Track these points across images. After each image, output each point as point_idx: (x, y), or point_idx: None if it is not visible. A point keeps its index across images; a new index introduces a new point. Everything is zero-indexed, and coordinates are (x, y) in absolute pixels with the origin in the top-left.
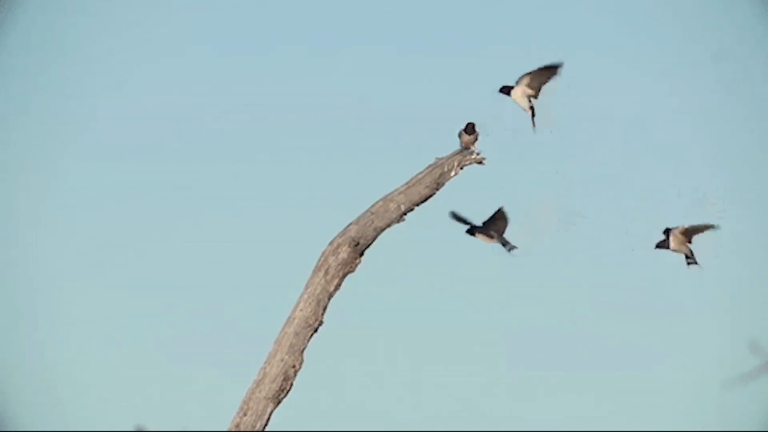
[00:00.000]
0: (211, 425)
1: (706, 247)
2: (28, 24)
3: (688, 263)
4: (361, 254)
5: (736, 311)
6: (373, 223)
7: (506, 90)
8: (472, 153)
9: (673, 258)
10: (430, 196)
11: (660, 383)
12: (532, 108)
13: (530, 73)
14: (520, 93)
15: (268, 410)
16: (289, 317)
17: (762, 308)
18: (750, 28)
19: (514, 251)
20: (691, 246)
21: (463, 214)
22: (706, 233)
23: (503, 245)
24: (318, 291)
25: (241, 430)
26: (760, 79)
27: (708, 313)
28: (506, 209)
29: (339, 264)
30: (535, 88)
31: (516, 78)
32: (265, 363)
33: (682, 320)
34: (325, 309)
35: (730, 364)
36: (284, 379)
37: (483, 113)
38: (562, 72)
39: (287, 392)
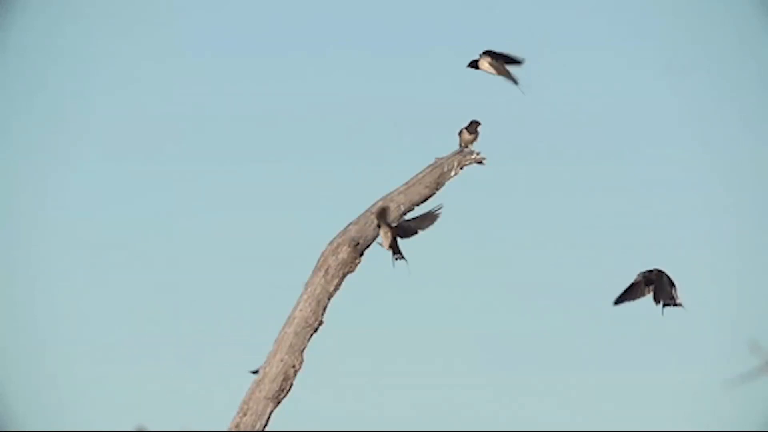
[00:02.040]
0: (211, 425)
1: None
2: (28, 24)
3: (666, 305)
4: (361, 254)
5: (736, 311)
6: (373, 223)
7: (473, 64)
8: (472, 153)
9: (673, 257)
10: (430, 196)
11: (660, 383)
12: (505, 71)
13: (491, 55)
14: (486, 64)
15: (268, 410)
16: (289, 317)
17: (762, 308)
18: (750, 29)
19: (400, 260)
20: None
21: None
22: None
23: (393, 253)
24: (318, 291)
25: (241, 430)
26: (760, 78)
27: (708, 313)
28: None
29: (339, 264)
30: (497, 67)
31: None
32: (265, 363)
33: (682, 320)
34: (325, 309)
35: (730, 364)
36: (284, 379)
37: (482, 113)
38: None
39: (287, 392)
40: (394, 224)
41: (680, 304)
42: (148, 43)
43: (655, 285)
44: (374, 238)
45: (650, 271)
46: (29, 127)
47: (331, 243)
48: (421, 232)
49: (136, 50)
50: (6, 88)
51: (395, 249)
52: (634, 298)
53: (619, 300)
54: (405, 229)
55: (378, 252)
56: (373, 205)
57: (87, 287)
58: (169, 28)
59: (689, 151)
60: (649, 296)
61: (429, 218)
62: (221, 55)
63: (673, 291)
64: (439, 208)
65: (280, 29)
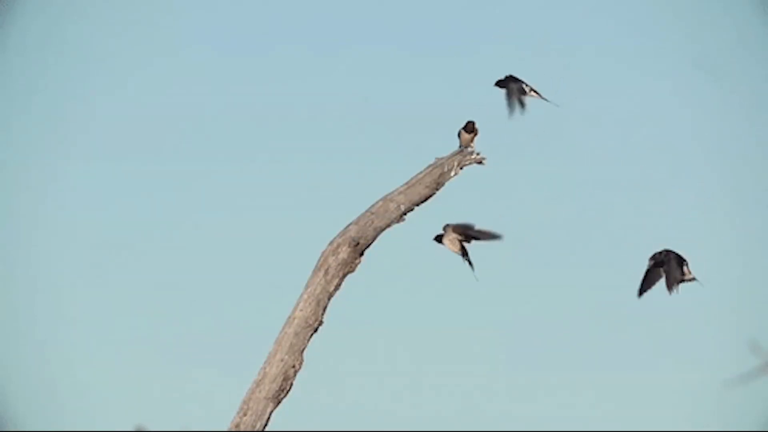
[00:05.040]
0: (211, 425)
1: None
2: (28, 24)
3: (680, 281)
4: (361, 254)
5: (736, 311)
6: (373, 223)
7: (501, 84)
8: (472, 153)
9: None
10: (430, 196)
11: (660, 383)
12: (535, 93)
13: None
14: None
15: (268, 410)
16: (289, 317)
17: (762, 308)
18: (750, 29)
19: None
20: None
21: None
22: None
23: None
24: (318, 291)
25: (241, 430)
26: (760, 78)
27: (708, 313)
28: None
29: (339, 264)
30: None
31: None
32: (265, 363)
33: (682, 320)
34: (325, 309)
35: (730, 364)
36: (284, 379)
37: (483, 113)
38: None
39: (287, 392)
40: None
41: (693, 279)
42: (148, 43)
43: (666, 266)
44: (374, 238)
45: (659, 253)
46: (29, 127)
47: (331, 243)
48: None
49: (136, 50)
50: (6, 88)
51: (464, 253)
52: (653, 284)
53: (642, 291)
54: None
55: (378, 252)
56: (373, 205)
57: (87, 287)
58: (169, 28)
59: (689, 151)
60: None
61: (488, 235)
62: (221, 55)
63: (685, 267)
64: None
65: (280, 29)
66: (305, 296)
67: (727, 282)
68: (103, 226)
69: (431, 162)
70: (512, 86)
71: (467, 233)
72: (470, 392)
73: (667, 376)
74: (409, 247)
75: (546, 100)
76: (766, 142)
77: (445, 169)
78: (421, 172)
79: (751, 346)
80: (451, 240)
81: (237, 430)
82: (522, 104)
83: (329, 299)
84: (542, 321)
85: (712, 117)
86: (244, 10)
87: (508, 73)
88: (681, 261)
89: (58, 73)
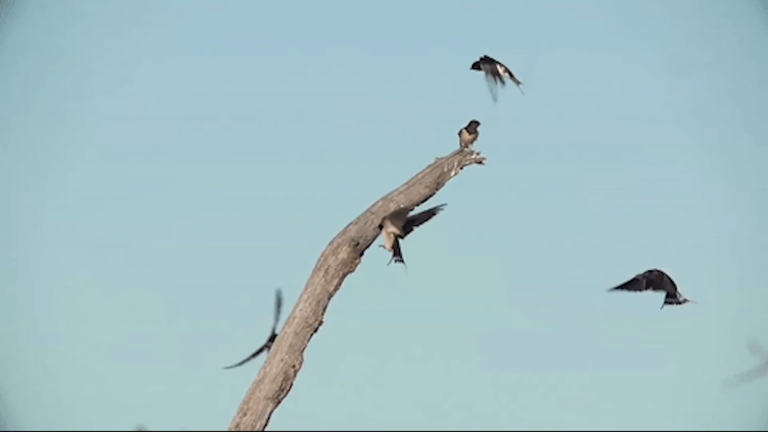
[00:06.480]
0: (211, 425)
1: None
2: (28, 24)
3: (666, 302)
4: (361, 254)
5: (736, 311)
6: (373, 223)
7: (476, 66)
8: (472, 153)
9: (673, 257)
10: (430, 196)
11: (660, 383)
12: (509, 74)
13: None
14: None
15: (268, 410)
16: (289, 317)
17: (762, 308)
18: (750, 29)
19: (398, 262)
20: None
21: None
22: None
23: (394, 254)
24: (318, 291)
25: (241, 430)
26: (760, 78)
27: (708, 313)
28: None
29: (339, 264)
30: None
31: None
32: (265, 363)
33: (682, 320)
34: (325, 309)
35: (730, 364)
36: (284, 379)
37: (483, 113)
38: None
39: (287, 392)
40: (401, 230)
41: (685, 301)
42: (148, 43)
43: (659, 286)
44: (374, 238)
45: (650, 272)
46: (29, 127)
47: (331, 243)
48: (416, 228)
49: (135, 50)
50: (6, 88)
51: (396, 251)
52: (630, 290)
53: (617, 288)
54: (405, 229)
55: (378, 252)
56: (373, 205)
57: (87, 287)
58: (168, 28)
59: (689, 151)
60: (646, 294)
61: (427, 214)
62: (221, 55)
63: (676, 290)
64: (441, 206)
65: (280, 29)
66: (305, 296)
67: (727, 282)
68: (103, 226)
69: (431, 162)
70: (486, 67)
71: (406, 223)
72: (470, 392)
73: (667, 376)
74: (408, 247)
75: (518, 82)
76: (766, 142)
77: (445, 169)
78: (421, 172)
79: (751, 346)
80: (388, 234)
81: (237, 430)
82: (501, 80)
83: (329, 299)
84: (542, 321)
85: (711, 117)
86: (244, 11)
87: (482, 55)
88: (672, 283)
89: (58, 73)
